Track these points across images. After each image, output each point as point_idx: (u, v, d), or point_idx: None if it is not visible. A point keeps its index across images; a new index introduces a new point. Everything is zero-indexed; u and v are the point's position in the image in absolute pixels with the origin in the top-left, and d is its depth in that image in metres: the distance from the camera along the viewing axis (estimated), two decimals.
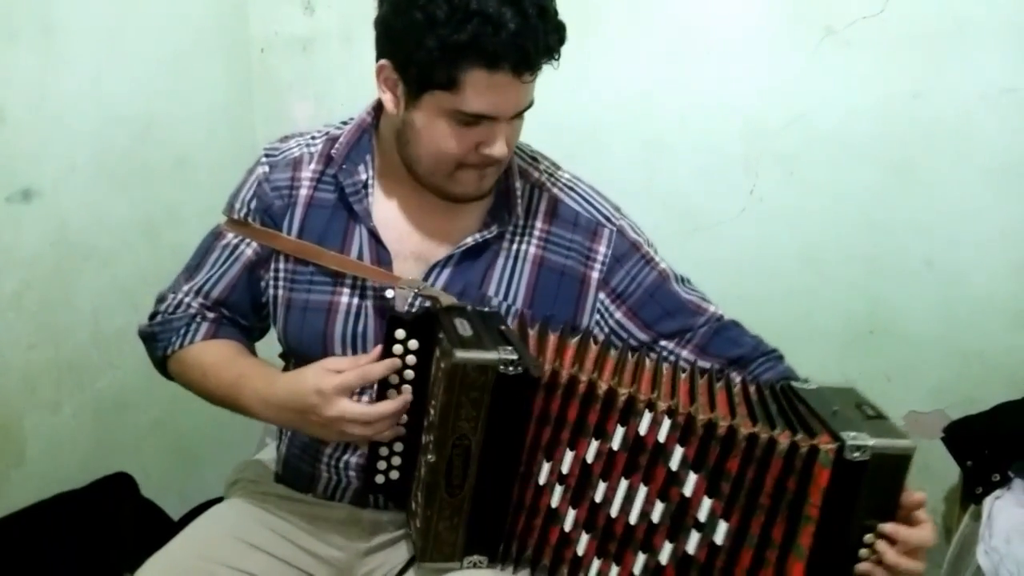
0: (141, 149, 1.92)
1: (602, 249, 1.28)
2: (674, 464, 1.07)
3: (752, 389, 1.16)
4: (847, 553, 1.03)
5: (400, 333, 1.13)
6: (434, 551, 1.12)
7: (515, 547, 1.14)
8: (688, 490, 1.06)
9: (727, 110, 1.95)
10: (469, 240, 1.24)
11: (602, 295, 1.28)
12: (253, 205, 1.28)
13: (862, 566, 1.03)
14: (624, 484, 1.09)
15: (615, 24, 1.97)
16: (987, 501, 1.63)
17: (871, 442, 0.99)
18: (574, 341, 1.17)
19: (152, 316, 1.35)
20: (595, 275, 1.27)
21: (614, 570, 1.11)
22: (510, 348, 1.07)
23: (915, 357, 1.94)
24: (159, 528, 1.79)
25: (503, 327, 1.15)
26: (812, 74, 1.88)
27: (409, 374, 1.14)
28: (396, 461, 1.18)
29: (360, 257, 1.25)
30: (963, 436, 1.75)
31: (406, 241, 1.26)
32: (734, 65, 1.93)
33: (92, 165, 1.80)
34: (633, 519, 1.09)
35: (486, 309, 1.22)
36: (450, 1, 1.04)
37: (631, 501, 1.09)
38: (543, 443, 1.11)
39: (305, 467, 1.34)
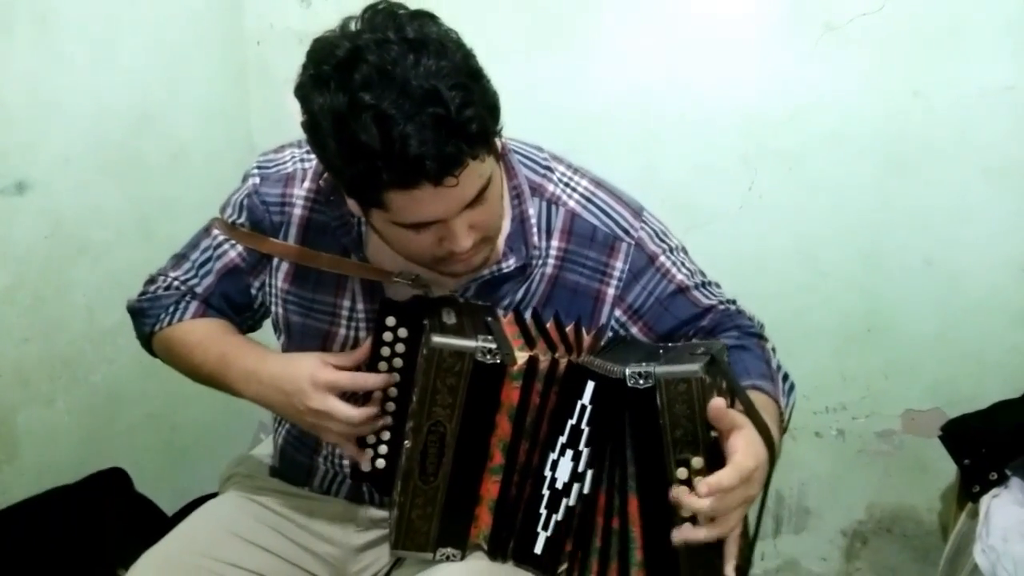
0: (136, 142, 1.91)
1: (619, 265, 1.22)
2: (583, 422, 1.07)
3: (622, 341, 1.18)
4: (665, 492, 1.00)
5: (391, 320, 1.13)
6: (407, 540, 1.12)
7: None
8: (582, 444, 1.08)
9: (726, 106, 1.94)
10: (486, 273, 1.20)
11: (618, 311, 1.24)
12: (244, 215, 1.27)
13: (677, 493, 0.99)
14: (569, 454, 1.09)
15: (614, 19, 1.97)
16: (984, 499, 1.63)
17: (656, 370, 0.99)
18: (589, 336, 1.15)
19: (141, 294, 1.34)
20: (611, 291, 1.23)
21: (542, 536, 1.11)
22: (490, 338, 1.07)
23: (913, 355, 1.94)
24: (153, 523, 1.79)
25: (490, 319, 1.14)
26: (811, 70, 1.87)
27: (398, 362, 1.14)
28: (383, 450, 1.18)
29: (352, 290, 1.23)
30: (960, 434, 1.75)
31: (410, 272, 1.21)
32: (733, 61, 1.92)
33: (87, 158, 1.79)
34: (560, 484, 1.10)
35: (479, 303, 1.20)
36: (338, 137, 0.96)
37: (561, 466, 1.09)
38: (543, 437, 1.10)
39: (302, 459, 1.33)
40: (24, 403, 1.70)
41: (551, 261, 1.22)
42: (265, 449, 1.45)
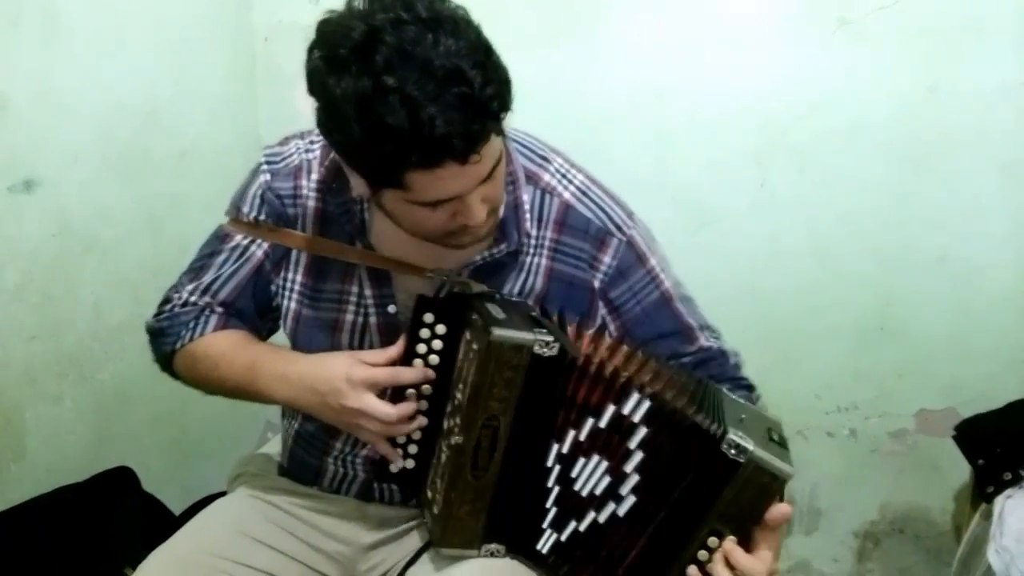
0: (144, 139, 1.90)
1: (607, 259, 1.24)
2: (633, 443, 1.07)
3: (704, 386, 1.16)
4: (686, 546, 1.04)
5: (428, 316, 1.12)
6: (453, 536, 1.12)
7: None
8: (630, 467, 1.07)
9: (738, 102, 1.94)
10: (478, 258, 1.21)
11: (600, 304, 1.25)
12: (264, 210, 1.26)
13: (693, 569, 1.04)
14: (595, 460, 1.10)
15: (626, 14, 1.96)
16: (998, 500, 1.63)
17: (752, 448, 1.00)
18: (590, 332, 1.17)
19: (158, 314, 1.33)
20: (596, 284, 1.24)
21: (552, 537, 1.12)
22: (545, 330, 1.06)
23: (927, 354, 1.93)
24: (160, 522, 1.78)
25: (534, 313, 1.15)
26: (825, 66, 1.86)
27: (433, 359, 1.13)
28: (412, 449, 1.17)
29: (360, 276, 1.23)
30: (974, 434, 1.74)
31: (409, 259, 1.22)
32: (746, 56, 1.91)
33: (95, 155, 1.79)
34: (586, 491, 1.10)
35: (514, 298, 1.21)
36: (363, 121, 0.96)
37: (592, 476, 1.10)
38: (558, 425, 1.11)
39: (311, 460, 1.33)
40: (32, 401, 1.70)
41: (545, 252, 1.23)
42: (273, 448, 1.45)
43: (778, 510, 1.02)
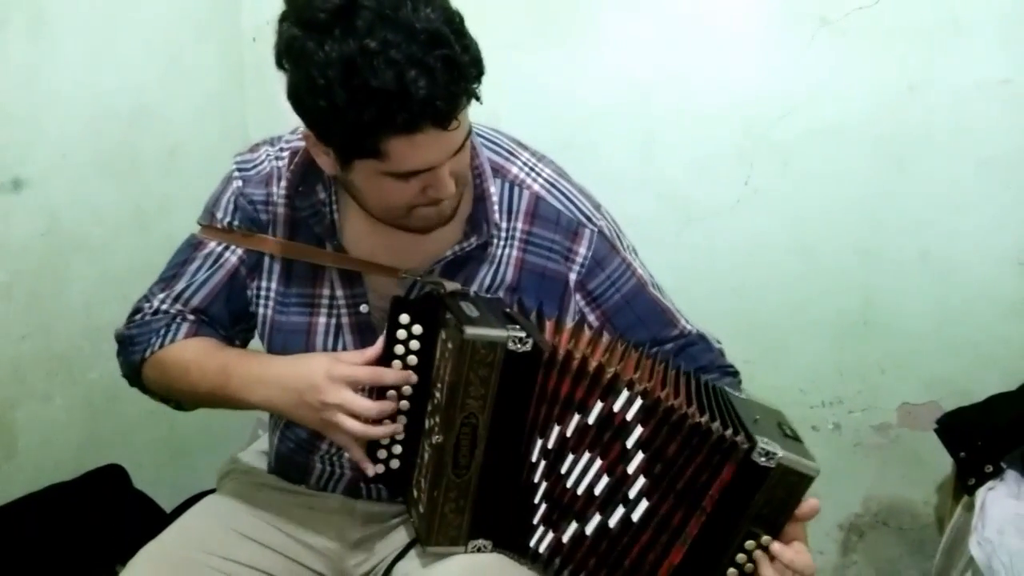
0: (132, 139, 1.91)
1: (582, 251, 1.25)
2: (630, 442, 1.09)
3: (711, 388, 1.17)
4: (725, 552, 1.06)
5: (404, 317, 1.12)
6: (439, 535, 1.12)
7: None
8: (631, 467, 1.08)
9: (722, 100, 1.94)
10: (448, 253, 1.21)
11: (577, 296, 1.26)
12: (238, 216, 1.26)
13: (733, 572, 1.07)
14: (586, 457, 1.10)
15: (609, 14, 1.97)
16: (980, 492, 1.64)
17: (781, 452, 1.02)
18: (570, 326, 1.17)
19: (128, 323, 1.32)
20: (573, 276, 1.25)
21: (548, 536, 1.13)
22: (518, 327, 1.07)
23: (909, 349, 1.95)
24: (151, 519, 1.79)
25: (507, 309, 1.16)
26: (807, 65, 1.87)
27: (412, 359, 1.13)
28: (396, 449, 1.17)
29: (331, 278, 1.24)
30: (956, 427, 1.75)
31: (380, 258, 1.22)
32: (729, 55, 1.92)
33: (83, 155, 1.79)
34: (580, 490, 1.11)
35: (488, 295, 1.21)
36: (348, 84, 0.96)
37: (585, 473, 1.11)
38: (540, 421, 1.11)
39: (298, 459, 1.33)
40: (22, 400, 1.71)
41: (516, 243, 1.24)
42: (263, 445, 1.45)
43: (808, 505, 1.05)
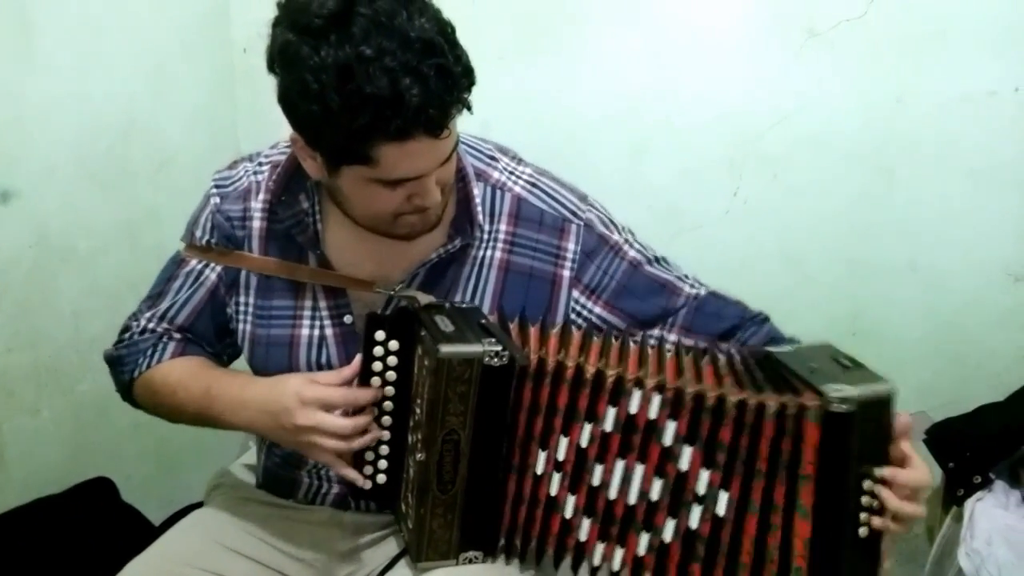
0: (122, 150, 1.90)
1: (571, 246, 1.25)
2: (667, 440, 1.07)
3: (737, 359, 1.16)
4: (850, 505, 1.03)
5: (380, 334, 1.12)
6: (429, 550, 1.12)
7: (518, 540, 1.14)
8: (684, 464, 1.07)
9: (711, 112, 1.95)
10: (433, 256, 1.22)
11: (576, 292, 1.26)
12: (215, 234, 1.26)
13: (865, 516, 1.03)
14: (620, 465, 1.09)
15: (599, 26, 1.97)
16: (969, 503, 1.64)
17: (854, 392, 1.00)
18: (555, 331, 1.17)
19: (117, 343, 1.33)
20: (566, 273, 1.25)
21: (618, 553, 1.11)
22: (493, 340, 1.07)
23: (898, 359, 1.94)
24: (139, 533, 1.77)
25: (483, 321, 1.15)
26: (795, 76, 1.88)
27: (391, 375, 1.13)
28: (383, 464, 1.17)
29: (313, 289, 1.24)
30: (945, 438, 1.75)
31: (364, 264, 1.23)
32: (717, 67, 1.93)
33: (72, 166, 1.78)
34: (632, 499, 1.09)
35: (464, 305, 1.21)
36: (341, 89, 0.97)
37: (629, 481, 1.09)
38: (536, 433, 1.10)
39: (285, 474, 1.33)
40: (9, 413, 1.70)
41: (500, 245, 1.24)
42: (251, 459, 1.45)
43: (902, 422, 1.04)
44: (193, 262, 1.28)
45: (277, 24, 1.03)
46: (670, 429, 1.07)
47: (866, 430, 1.01)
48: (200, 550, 1.23)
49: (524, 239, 1.25)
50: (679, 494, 1.08)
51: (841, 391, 1.00)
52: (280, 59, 1.03)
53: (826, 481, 1.03)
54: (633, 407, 1.07)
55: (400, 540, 1.26)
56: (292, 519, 1.31)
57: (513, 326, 1.16)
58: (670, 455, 1.07)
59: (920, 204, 1.87)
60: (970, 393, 1.84)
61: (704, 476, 1.06)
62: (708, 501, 1.07)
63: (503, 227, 1.25)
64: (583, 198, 1.29)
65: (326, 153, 1.07)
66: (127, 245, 1.91)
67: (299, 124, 1.06)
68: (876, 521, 1.03)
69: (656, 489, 1.08)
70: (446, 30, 1.02)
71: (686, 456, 1.07)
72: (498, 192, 1.25)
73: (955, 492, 1.68)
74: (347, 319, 1.23)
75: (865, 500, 1.03)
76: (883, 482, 1.02)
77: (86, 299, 1.82)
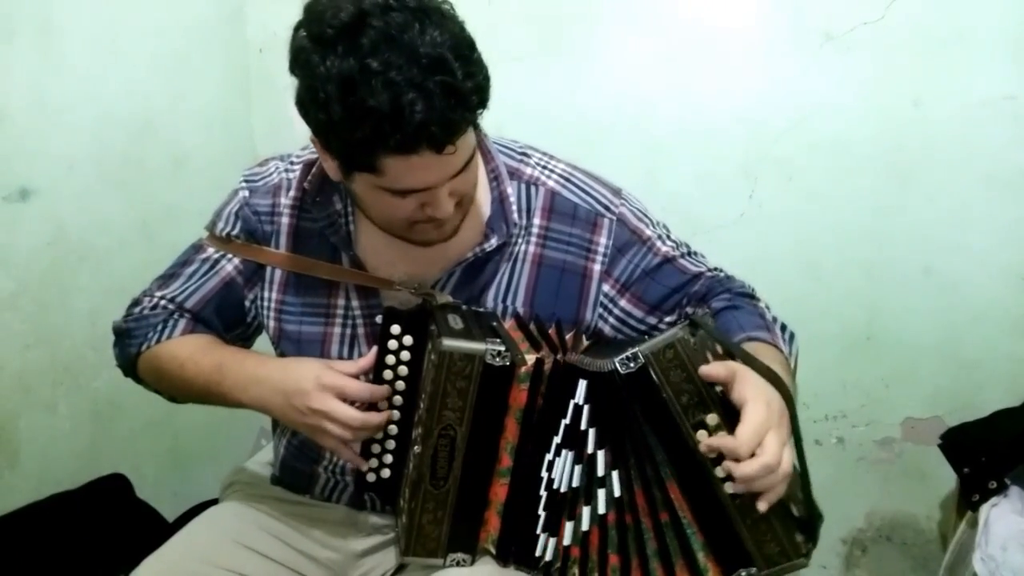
0: (139, 149, 1.91)
1: (603, 240, 1.25)
2: (583, 423, 1.08)
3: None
4: (698, 461, 1.03)
5: (395, 328, 1.13)
6: (417, 545, 1.12)
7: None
8: (590, 446, 1.08)
9: (726, 115, 1.95)
10: (469, 255, 1.22)
11: (606, 287, 1.25)
12: (238, 226, 1.27)
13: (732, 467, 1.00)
14: (564, 455, 1.09)
15: (615, 28, 1.98)
16: (984, 508, 1.63)
17: (638, 348, 1.02)
18: (569, 335, 1.17)
19: (126, 315, 1.33)
20: (597, 267, 1.25)
21: (550, 541, 1.12)
22: (498, 340, 1.08)
23: (913, 364, 1.94)
24: (154, 529, 1.78)
25: (495, 324, 1.16)
26: (812, 80, 1.88)
27: (403, 370, 1.14)
28: (388, 459, 1.18)
29: (347, 288, 1.24)
30: (960, 443, 1.75)
31: (398, 265, 1.23)
32: (733, 70, 1.93)
33: (90, 165, 1.79)
34: (564, 488, 1.10)
35: (481, 309, 1.22)
36: (344, 101, 0.97)
37: (566, 470, 1.09)
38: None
39: (303, 469, 1.33)
40: (26, 409, 1.71)
41: (533, 239, 1.24)
42: (266, 456, 1.45)
43: (702, 368, 1.02)
44: (211, 250, 1.29)
45: (298, 28, 1.04)
46: (584, 412, 1.08)
47: (671, 377, 1.01)
48: (216, 547, 1.23)
49: (557, 233, 1.25)
50: (594, 480, 1.08)
51: (628, 352, 1.02)
52: (294, 63, 1.04)
53: (668, 442, 1.04)
54: (579, 397, 1.08)
55: None
56: (308, 517, 1.31)
57: (551, 331, 1.16)
58: (579, 437, 1.08)
59: (936, 208, 1.86)
60: (985, 398, 1.84)
61: (601, 457, 1.07)
62: (608, 483, 1.08)
63: (537, 221, 1.25)
64: (617, 192, 1.29)
65: (337, 158, 1.08)
66: (144, 243, 1.93)
67: (312, 128, 1.07)
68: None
69: (576, 475, 1.09)
70: (461, 46, 1.00)
71: (591, 437, 1.08)
72: (532, 187, 1.26)
73: (970, 497, 1.67)
74: (379, 319, 1.23)
75: (702, 433, 1.02)
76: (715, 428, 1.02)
77: (103, 297, 1.83)
